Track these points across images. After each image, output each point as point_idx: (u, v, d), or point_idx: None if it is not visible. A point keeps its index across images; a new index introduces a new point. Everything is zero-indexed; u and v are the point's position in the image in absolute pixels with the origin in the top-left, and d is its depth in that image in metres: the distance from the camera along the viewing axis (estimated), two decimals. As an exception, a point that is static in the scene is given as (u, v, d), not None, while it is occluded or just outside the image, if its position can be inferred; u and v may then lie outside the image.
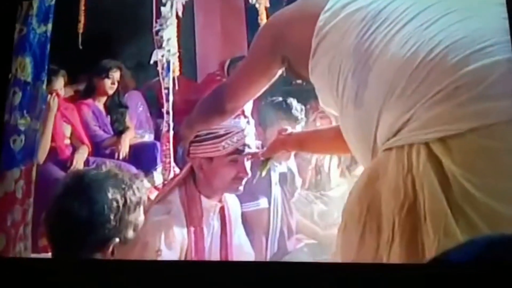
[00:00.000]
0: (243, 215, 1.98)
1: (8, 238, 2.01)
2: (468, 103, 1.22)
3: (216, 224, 1.86)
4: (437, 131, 1.23)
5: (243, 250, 1.89)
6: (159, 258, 1.70)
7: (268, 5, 2.51)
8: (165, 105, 2.33)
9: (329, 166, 2.39)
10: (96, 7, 2.70)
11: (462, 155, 1.21)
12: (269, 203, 2.11)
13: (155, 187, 2.34)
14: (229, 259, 1.85)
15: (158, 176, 2.43)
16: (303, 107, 2.24)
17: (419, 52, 1.28)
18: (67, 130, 2.61)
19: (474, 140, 1.21)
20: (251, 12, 2.56)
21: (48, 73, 2.21)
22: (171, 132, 2.29)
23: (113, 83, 2.71)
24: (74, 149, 2.58)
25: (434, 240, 1.19)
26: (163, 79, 2.36)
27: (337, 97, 1.43)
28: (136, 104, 2.82)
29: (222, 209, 1.87)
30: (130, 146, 2.63)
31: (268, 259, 2.05)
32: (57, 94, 2.54)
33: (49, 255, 1.58)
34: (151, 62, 2.38)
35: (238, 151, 1.82)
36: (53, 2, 2.20)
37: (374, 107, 1.34)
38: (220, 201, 1.87)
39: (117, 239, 1.46)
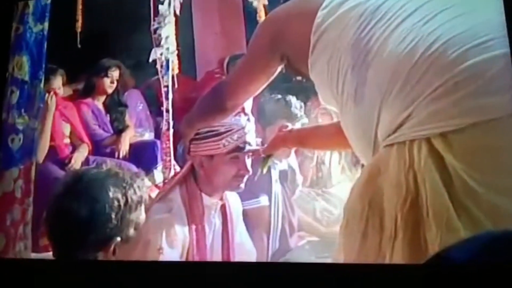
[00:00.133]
0: (244, 212, 1.98)
1: (7, 237, 2.01)
2: (468, 98, 1.22)
3: (217, 222, 1.86)
4: (438, 126, 1.23)
5: (245, 248, 1.89)
6: (161, 256, 1.70)
7: (266, 2, 2.51)
8: (165, 103, 2.33)
9: (329, 163, 2.39)
10: (93, 6, 2.69)
11: (463, 150, 1.21)
12: (270, 201, 2.11)
13: (156, 186, 2.34)
14: (231, 257, 1.85)
15: (158, 175, 2.43)
16: (303, 105, 2.24)
17: (418, 48, 1.28)
18: (66, 129, 2.60)
19: (475, 135, 1.21)
20: (249, 10, 2.56)
21: (46, 72, 2.21)
22: (171, 131, 2.29)
23: (112, 82, 2.70)
24: (74, 148, 2.58)
25: (437, 235, 1.19)
26: (162, 77, 2.36)
27: (337, 94, 1.43)
28: (136, 102, 2.81)
29: (223, 207, 1.87)
30: (130, 145, 2.62)
31: (269, 256, 2.04)
32: (55, 93, 2.54)
33: (50, 254, 1.57)
34: (150, 60, 2.38)
35: (239, 149, 1.82)
36: (49, 1, 2.19)
37: (373, 103, 1.34)
38: (221, 198, 1.87)
39: (119, 238, 1.46)
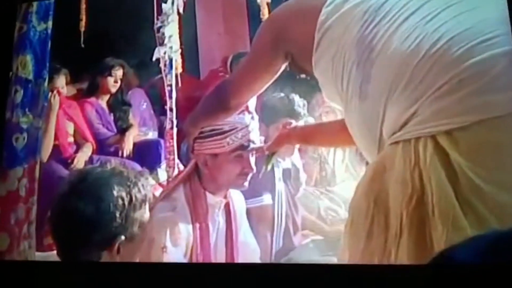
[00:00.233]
0: (247, 211, 1.98)
1: (12, 236, 2.01)
2: (473, 95, 1.22)
3: (221, 220, 1.86)
4: (443, 124, 1.23)
5: (248, 247, 1.89)
6: (165, 255, 1.70)
7: (269, 0, 2.50)
8: (168, 102, 2.33)
9: (333, 162, 2.38)
10: (97, 5, 2.69)
11: (469, 148, 1.21)
12: (273, 199, 2.11)
13: (160, 184, 2.34)
14: (235, 255, 1.85)
15: (162, 173, 2.42)
16: (306, 103, 2.24)
17: (422, 45, 1.28)
18: (70, 128, 2.60)
19: (480, 133, 1.21)
20: (253, 8, 2.56)
21: (49, 71, 2.21)
22: (175, 129, 2.29)
23: (116, 81, 2.70)
24: (78, 147, 2.58)
25: (443, 233, 1.19)
26: (166, 76, 2.36)
27: (341, 91, 1.43)
28: (139, 101, 2.81)
29: (227, 206, 1.87)
30: (134, 144, 2.62)
31: (273, 255, 2.04)
32: (58, 92, 2.54)
33: (54, 253, 1.58)
34: (153, 59, 2.38)
35: (243, 147, 1.82)
36: (53, 0, 2.19)
37: (378, 101, 1.33)
38: (225, 197, 1.87)
39: (123, 237, 1.46)
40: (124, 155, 2.57)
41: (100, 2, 2.68)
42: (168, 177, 2.28)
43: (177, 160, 2.26)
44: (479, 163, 1.20)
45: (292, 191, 2.17)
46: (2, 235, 1.99)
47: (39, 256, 2.06)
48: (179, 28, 2.40)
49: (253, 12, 2.57)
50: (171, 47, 2.37)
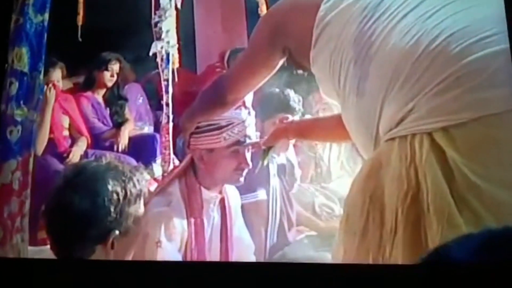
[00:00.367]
0: (241, 207, 1.98)
1: (5, 230, 1.99)
2: (470, 92, 1.22)
3: (216, 215, 1.85)
4: (440, 121, 1.23)
5: (243, 242, 1.89)
6: (159, 250, 1.69)
7: (268, -4, 2.51)
8: (165, 97, 2.33)
9: (329, 159, 2.38)
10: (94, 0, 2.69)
11: (465, 145, 1.21)
12: (268, 195, 2.11)
13: (155, 179, 2.34)
14: (229, 251, 1.85)
15: (157, 168, 2.43)
16: (301, 98, 2.24)
17: (421, 42, 1.28)
18: (66, 122, 2.60)
19: (477, 130, 1.20)
20: (251, 3, 2.56)
21: (45, 64, 2.20)
22: (171, 124, 2.29)
23: (112, 76, 2.70)
24: (73, 141, 2.57)
25: (438, 230, 1.18)
26: (163, 71, 2.36)
27: (339, 88, 1.43)
28: (136, 96, 2.81)
29: (222, 201, 1.87)
30: (130, 138, 2.63)
31: (268, 250, 2.04)
32: (54, 85, 2.53)
33: (47, 247, 1.57)
34: (150, 54, 2.38)
35: (239, 142, 1.81)
36: (50, -8, 2.18)
37: (376, 97, 1.33)
38: (220, 192, 1.87)
39: (117, 232, 1.45)
40: (120, 149, 2.58)
41: (97, -4, 2.68)
42: (164, 172, 2.28)
43: (172, 155, 2.26)
44: (475, 160, 1.20)
45: (287, 187, 2.17)
46: (-6, 228, 1.98)
47: (32, 250, 2.05)
48: (177, 23, 2.40)
49: (251, 8, 2.58)
50: (168, 42, 2.37)
